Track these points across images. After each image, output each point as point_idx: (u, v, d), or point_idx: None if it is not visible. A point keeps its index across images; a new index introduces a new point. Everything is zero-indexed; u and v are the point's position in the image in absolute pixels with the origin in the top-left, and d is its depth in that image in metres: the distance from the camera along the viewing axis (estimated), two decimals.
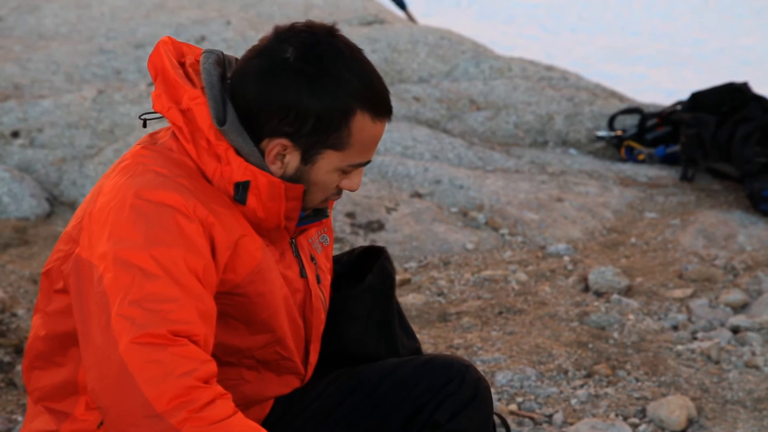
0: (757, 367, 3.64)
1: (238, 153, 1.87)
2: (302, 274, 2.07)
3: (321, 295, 2.14)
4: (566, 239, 4.95)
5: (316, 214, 2.07)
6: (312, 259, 2.12)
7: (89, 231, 1.82)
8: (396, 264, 4.53)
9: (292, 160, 1.91)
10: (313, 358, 2.15)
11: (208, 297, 1.80)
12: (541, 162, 6.15)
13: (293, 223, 1.97)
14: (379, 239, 4.78)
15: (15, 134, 5.76)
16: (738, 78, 6.19)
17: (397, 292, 3.11)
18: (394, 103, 6.69)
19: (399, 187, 5.35)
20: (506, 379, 3.50)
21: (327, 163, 1.92)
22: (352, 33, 7.83)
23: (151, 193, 1.80)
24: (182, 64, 1.94)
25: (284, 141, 1.89)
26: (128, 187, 1.81)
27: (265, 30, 9.28)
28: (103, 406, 1.71)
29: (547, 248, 4.82)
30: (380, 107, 1.93)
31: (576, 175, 5.92)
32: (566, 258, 4.69)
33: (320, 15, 8.68)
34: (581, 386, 3.49)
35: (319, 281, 2.13)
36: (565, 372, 3.58)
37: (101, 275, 1.75)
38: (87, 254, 1.79)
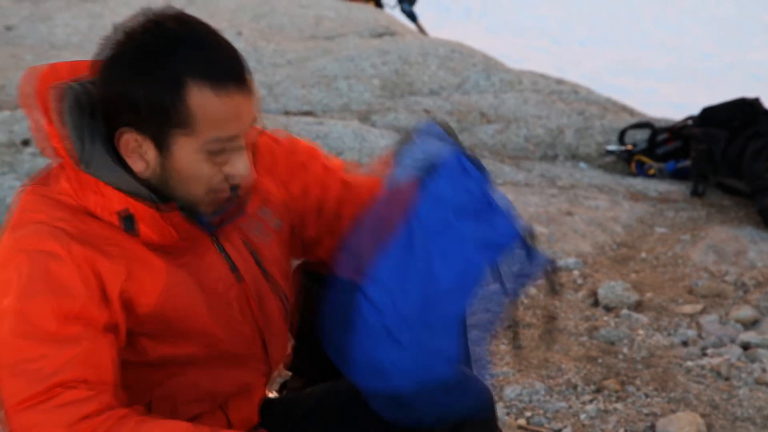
0: (767, 384, 3.62)
1: (109, 184, 1.80)
2: (232, 269, 1.98)
3: (268, 285, 2.05)
4: (576, 253, 4.94)
5: (228, 210, 1.93)
6: (247, 245, 2.02)
7: None
8: None
9: (150, 153, 1.80)
10: (274, 350, 2.08)
11: (91, 333, 1.77)
12: (551, 175, 6.14)
13: (196, 232, 1.90)
14: None
15: (26, 143, 5.77)
16: (748, 93, 6.19)
17: None
18: (405, 114, 6.70)
19: None
20: (515, 393, 3.49)
21: (182, 148, 1.79)
22: (363, 45, 7.85)
23: (26, 242, 1.78)
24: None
25: (132, 133, 1.78)
26: (8, 241, 1.81)
27: (276, 41, 9.24)
28: None
29: (556, 262, 4.81)
30: (217, 76, 1.77)
31: (586, 189, 5.91)
32: (576, 272, 4.68)
33: (331, 26, 8.69)
34: (590, 401, 3.47)
35: (261, 267, 2.04)
36: (574, 387, 3.57)
37: None
38: None
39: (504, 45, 12.75)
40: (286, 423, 2.18)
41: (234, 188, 1.88)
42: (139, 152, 1.81)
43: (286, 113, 6.71)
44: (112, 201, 1.81)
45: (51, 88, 1.84)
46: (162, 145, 1.79)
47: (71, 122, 1.80)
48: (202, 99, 1.76)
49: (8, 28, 8.77)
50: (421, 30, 10.39)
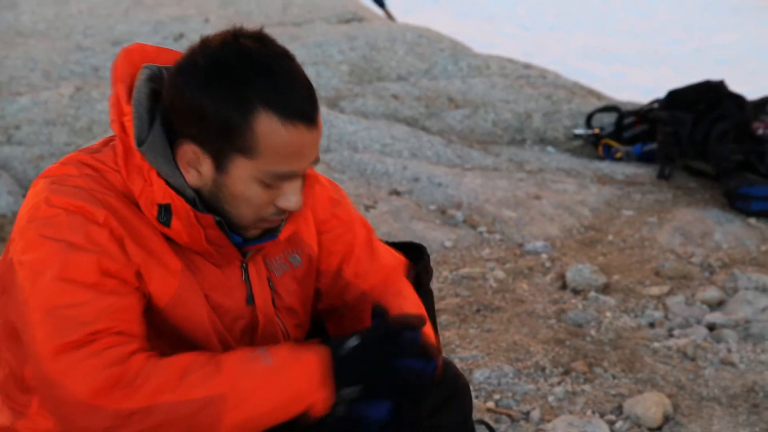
0: (732, 364, 3.66)
1: (160, 175, 1.83)
2: (249, 300, 1.99)
3: (278, 321, 2.05)
4: (544, 237, 4.97)
5: (264, 233, 1.96)
6: (269, 281, 2.04)
7: (14, 233, 1.86)
8: None
9: (207, 168, 1.82)
10: None
11: (125, 290, 1.82)
12: (519, 160, 6.17)
13: (229, 250, 1.91)
14: None
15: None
16: (714, 76, 6.23)
17: None
18: (373, 100, 6.70)
19: (377, 185, 5.36)
20: (484, 376, 3.51)
21: (240, 171, 1.80)
22: (331, 30, 7.84)
23: (65, 200, 1.80)
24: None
25: (192, 146, 1.81)
26: (43, 193, 1.83)
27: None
28: (48, 411, 1.81)
29: (524, 246, 4.84)
30: (289, 110, 1.77)
31: (554, 173, 5.94)
32: (544, 255, 4.71)
33: (299, 13, 8.68)
34: (558, 383, 3.50)
35: (275, 304, 2.04)
36: (543, 369, 3.59)
37: (21, 283, 1.79)
38: (11, 256, 1.83)
39: (473, 30, 12.74)
40: None
41: (282, 220, 1.91)
42: (196, 165, 1.83)
43: None
44: (157, 192, 1.83)
45: (144, 68, 1.87)
46: (221, 164, 1.81)
47: (146, 106, 1.84)
48: (270, 129, 1.77)
49: None
50: (389, 16, 10.38)
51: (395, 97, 6.74)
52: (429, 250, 4.77)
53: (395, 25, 8.28)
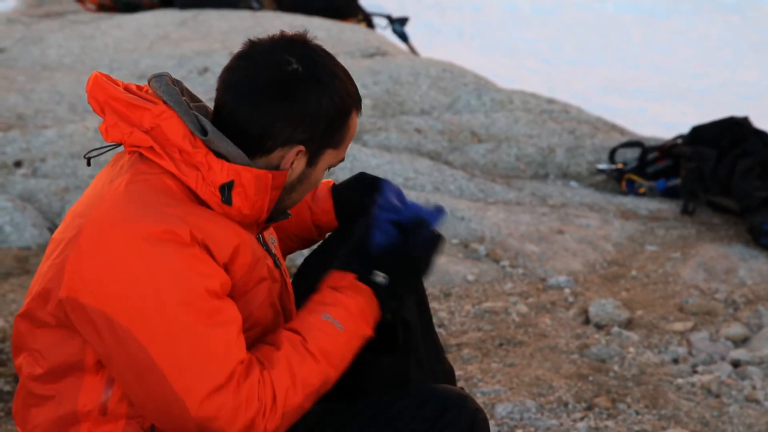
0: (757, 402, 3.63)
1: (220, 156, 1.91)
2: (276, 264, 2.12)
3: (287, 285, 2.19)
4: (567, 271, 4.96)
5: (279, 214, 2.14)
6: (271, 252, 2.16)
7: (81, 270, 1.85)
8: None
9: (299, 164, 2.00)
10: None
11: (232, 305, 1.90)
12: (542, 194, 6.16)
13: (264, 216, 2.02)
14: None
15: (18, 164, 5.78)
16: (738, 112, 6.22)
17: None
18: (396, 134, 6.72)
19: None
20: (506, 411, 3.50)
21: (325, 162, 2.04)
22: (354, 65, 7.88)
23: (146, 230, 1.82)
24: (128, 90, 1.97)
25: (300, 147, 1.97)
26: (121, 226, 1.84)
27: None
28: None
29: (547, 280, 4.83)
30: (361, 104, 2.07)
31: (577, 208, 5.93)
32: (567, 290, 4.69)
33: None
34: (581, 419, 3.48)
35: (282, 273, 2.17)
36: (566, 404, 3.58)
37: (126, 328, 1.82)
38: (90, 300, 1.83)
39: (495, 65, 12.78)
40: None
41: None
42: (290, 164, 1.99)
43: None
44: (218, 173, 1.90)
45: (155, 77, 1.97)
46: (313, 159, 2.01)
47: (185, 102, 1.95)
48: (354, 123, 2.05)
49: (0, 51, 8.79)
50: (413, 50, 10.41)
51: (418, 131, 6.76)
52: (451, 284, 4.77)
53: (419, 60, 8.31)
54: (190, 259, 1.83)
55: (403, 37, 10.66)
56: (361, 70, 7.69)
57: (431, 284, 4.70)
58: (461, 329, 4.23)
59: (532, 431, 3.40)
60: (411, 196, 5.56)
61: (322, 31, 9.12)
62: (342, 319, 2.00)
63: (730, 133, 5.92)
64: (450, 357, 3.96)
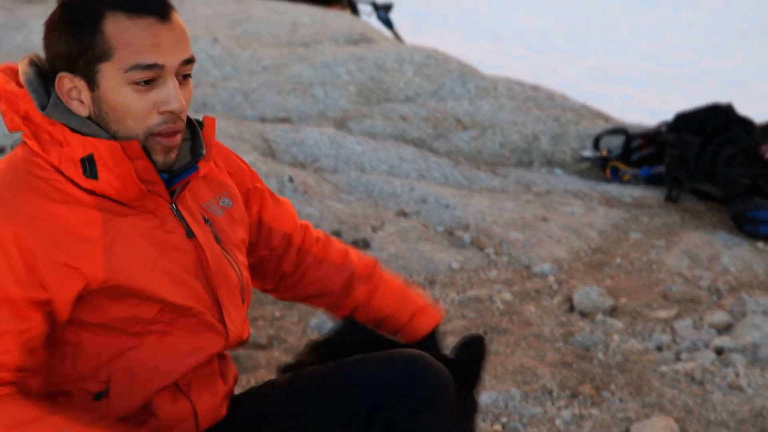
0: (740, 389, 3.64)
1: (73, 130, 1.89)
2: (188, 234, 2.02)
3: (224, 253, 2.09)
4: (551, 259, 4.96)
5: (185, 169, 2.02)
6: (207, 221, 2.08)
7: None
8: None
9: (84, 92, 1.90)
10: (234, 316, 2.09)
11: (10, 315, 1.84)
12: (527, 182, 6.16)
13: (159, 186, 1.95)
14: None
15: (1, 150, 5.76)
16: (722, 99, 6.24)
17: None
18: (381, 121, 6.71)
19: (385, 206, 5.36)
20: (491, 399, 3.50)
21: (107, 78, 1.88)
22: (338, 51, 7.86)
23: None
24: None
25: (66, 76, 1.90)
26: None
27: (252, 48, 9.19)
28: None
29: (532, 268, 4.83)
30: (135, 6, 1.87)
31: (561, 195, 5.94)
32: (551, 278, 4.70)
33: (307, 33, 8.70)
34: (566, 407, 3.49)
35: (219, 241, 2.08)
36: (550, 392, 3.58)
37: None
38: None
39: (481, 52, 12.78)
40: (253, 417, 2.18)
41: (167, 121, 1.93)
42: (77, 95, 1.90)
43: (263, 120, 6.71)
44: (75, 147, 1.88)
45: (23, 59, 1.99)
46: (92, 81, 1.89)
47: (35, 81, 1.94)
48: (117, 26, 1.86)
49: None
50: (398, 37, 10.40)
51: (403, 118, 6.75)
52: (436, 272, 4.77)
53: (403, 47, 8.30)
54: None
55: (388, 24, 10.65)
56: (345, 56, 7.67)
57: (416, 272, 4.70)
58: (446, 317, 4.22)
59: (517, 419, 3.40)
60: (396, 183, 5.56)
61: (306, 17, 9.10)
62: None
63: (714, 120, 5.93)
64: None
